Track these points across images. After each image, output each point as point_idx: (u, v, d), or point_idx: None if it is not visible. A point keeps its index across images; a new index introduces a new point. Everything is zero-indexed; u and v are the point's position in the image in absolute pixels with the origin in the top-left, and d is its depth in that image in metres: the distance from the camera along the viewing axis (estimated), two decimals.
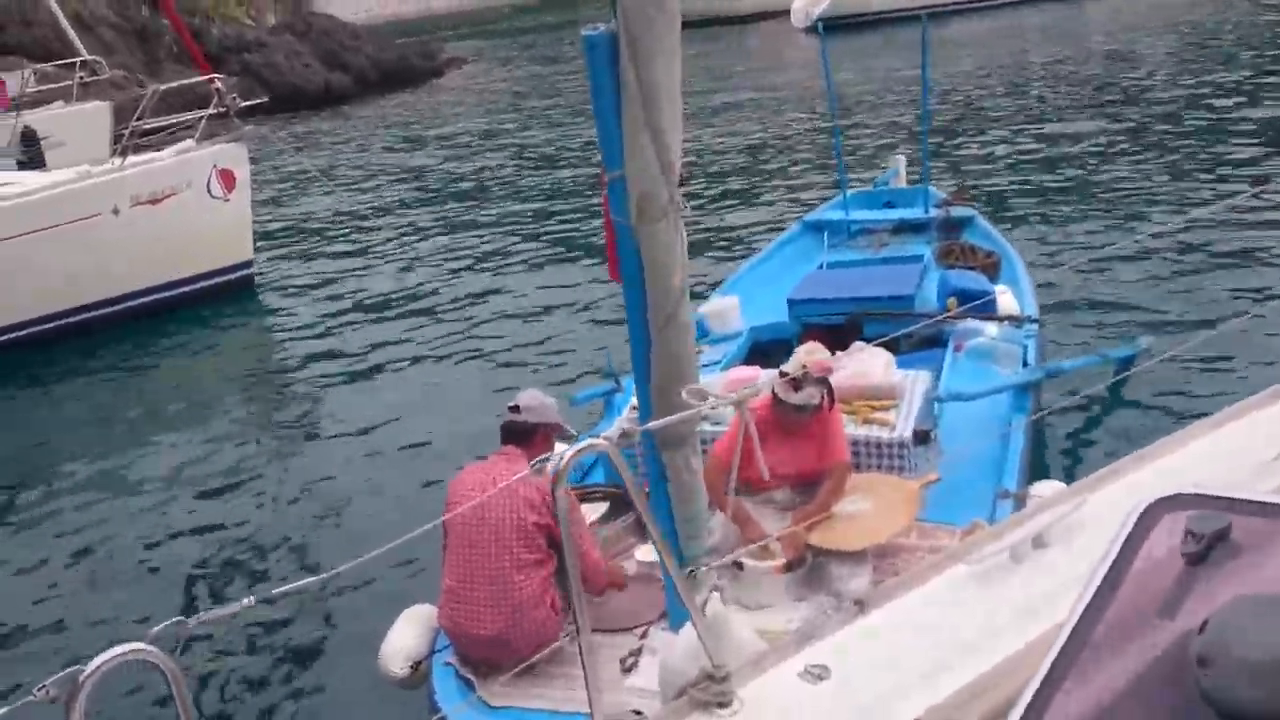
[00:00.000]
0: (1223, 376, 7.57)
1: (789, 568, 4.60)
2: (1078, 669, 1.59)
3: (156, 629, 1.91)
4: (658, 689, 3.79)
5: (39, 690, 1.80)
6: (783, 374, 4.89)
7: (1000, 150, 16.50)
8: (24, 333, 12.21)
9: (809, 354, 5.33)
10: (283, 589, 2.09)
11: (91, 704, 1.83)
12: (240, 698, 5.69)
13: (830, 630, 2.55)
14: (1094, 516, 2.74)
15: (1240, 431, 3.06)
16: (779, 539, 4.63)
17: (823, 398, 4.81)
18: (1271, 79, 18.98)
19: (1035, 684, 1.64)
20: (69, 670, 1.82)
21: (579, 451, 2.27)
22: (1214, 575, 1.62)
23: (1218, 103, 17.63)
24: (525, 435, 4.59)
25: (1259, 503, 1.74)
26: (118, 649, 1.85)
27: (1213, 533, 1.65)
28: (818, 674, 2.42)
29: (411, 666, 4.53)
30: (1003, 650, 2.33)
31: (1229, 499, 1.74)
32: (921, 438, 5.38)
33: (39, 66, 20.90)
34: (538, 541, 4.36)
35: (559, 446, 6.10)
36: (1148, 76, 21.22)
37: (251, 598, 1.99)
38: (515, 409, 4.60)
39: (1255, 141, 14.77)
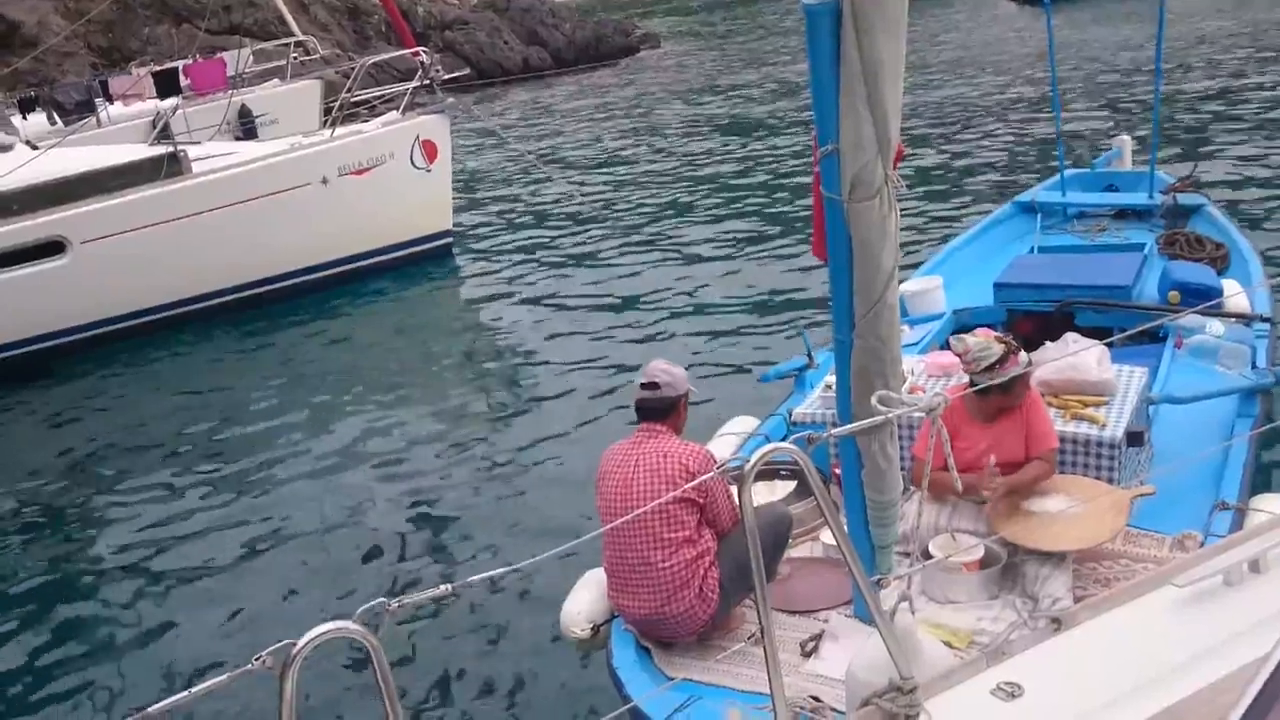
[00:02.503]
0: None
1: (982, 565, 4.47)
2: None
3: (362, 609, 2.00)
4: (837, 676, 3.77)
5: (256, 660, 1.91)
6: (990, 366, 4.62)
7: (1237, 133, 15.34)
8: (236, 296, 13.03)
9: (985, 332, 5.05)
10: (479, 577, 2.14)
11: (301, 676, 1.94)
12: (426, 667, 5.86)
13: (1025, 647, 2.46)
14: None
15: None
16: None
17: (1007, 348, 4.59)
18: None
19: (1241, 709, 1.53)
20: (283, 644, 1.92)
21: (765, 456, 2.24)
22: None
23: None
24: (666, 410, 4.51)
25: None
26: (328, 626, 1.95)
27: None
28: (1010, 691, 2.33)
29: (592, 629, 4.58)
30: (1207, 678, 2.21)
31: None
32: (1135, 439, 5.07)
33: (258, 47, 22.12)
34: (682, 519, 4.28)
35: (735, 423, 6.13)
36: None
37: (450, 585, 2.06)
38: (652, 386, 4.50)
39: None
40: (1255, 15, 26.39)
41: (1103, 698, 2.25)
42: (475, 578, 2.14)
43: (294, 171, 13.03)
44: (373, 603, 2.01)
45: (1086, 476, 4.92)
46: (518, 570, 2.25)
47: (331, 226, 13.30)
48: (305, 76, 20.43)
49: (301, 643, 1.92)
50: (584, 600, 4.67)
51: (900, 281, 7.60)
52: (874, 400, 2.51)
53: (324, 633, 1.94)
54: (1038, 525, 4.51)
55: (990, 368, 4.57)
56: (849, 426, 2.92)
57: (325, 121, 15.60)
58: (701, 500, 4.33)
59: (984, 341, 4.67)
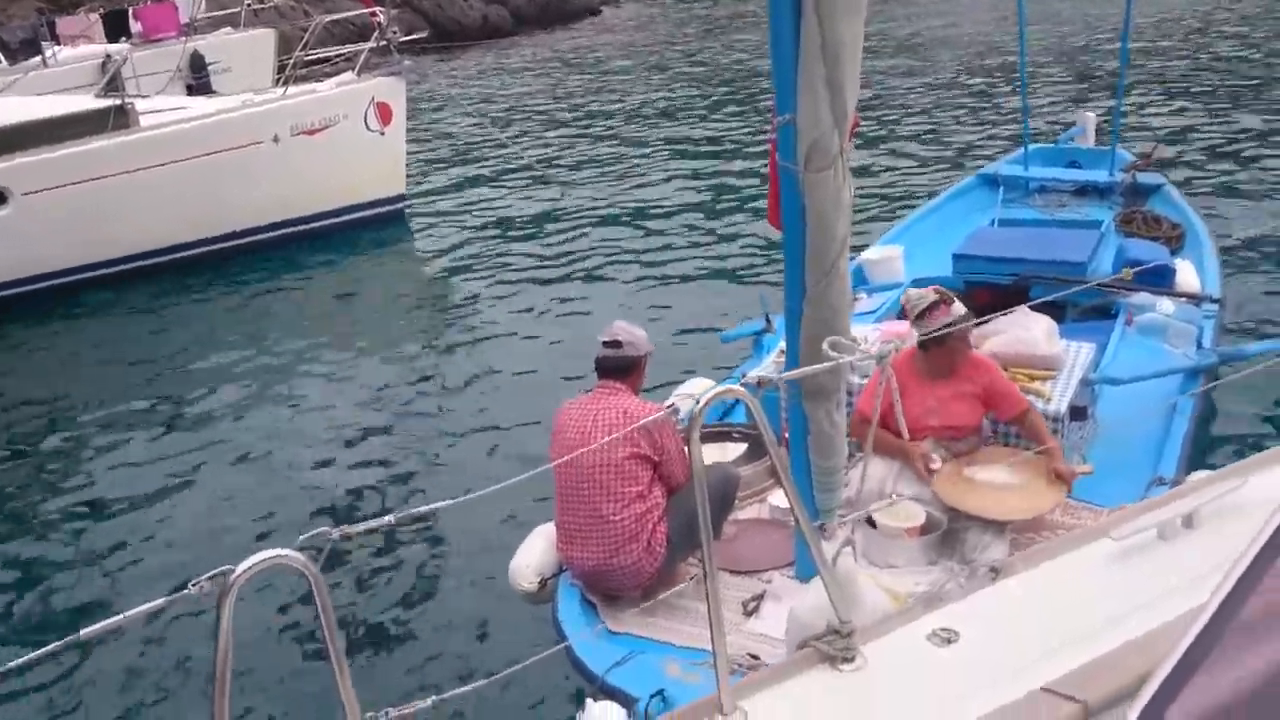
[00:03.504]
0: None
1: (923, 531, 4.53)
2: (1217, 653, 1.51)
3: (303, 537, 1.98)
4: (778, 635, 3.81)
5: (194, 585, 1.89)
6: (921, 312, 4.77)
7: (1200, 114, 15.58)
8: (183, 254, 12.78)
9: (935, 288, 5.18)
10: (420, 509, 2.13)
11: (239, 603, 1.92)
12: (373, 606, 5.92)
13: (963, 595, 2.50)
14: (1251, 500, 2.61)
15: None
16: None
17: (940, 297, 4.70)
18: None
19: (1170, 665, 1.56)
20: (221, 569, 1.90)
21: (714, 397, 2.25)
22: None
23: None
24: (627, 369, 4.57)
25: None
26: (268, 553, 1.93)
27: None
28: (946, 637, 2.37)
29: (540, 582, 4.62)
30: (1140, 629, 2.26)
31: None
32: (1078, 414, 5.17)
33: None
34: (636, 474, 4.34)
35: (692, 385, 6.17)
36: None
37: (393, 516, 2.05)
38: (615, 344, 4.56)
39: None
40: None
41: (1035, 644, 2.30)
42: (419, 509, 2.13)
43: (245, 129, 12.81)
44: (314, 531, 1.99)
45: (1030, 448, 5.00)
46: (460, 504, 2.24)
47: (282, 186, 13.09)
48: (259, 25, 20.11)
49: (240, 569, 1.90)
50: (533, 553, 4.70)
51: (861, 250, 7.72)
52: (825, 345, 2.53)
53: (263, 560, 1.92)
54: (980, 493, 4.58)
55: (921, 315, 4.68)
56: (799, 370, 2.94)
57: (278, 78, 15.34)
58: (656, 458, 4.38)
59: (921, 292, 4.79)
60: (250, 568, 1.91)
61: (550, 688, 4.81)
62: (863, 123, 16.43)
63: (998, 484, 4.61)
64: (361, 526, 2.01)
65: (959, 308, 4.73)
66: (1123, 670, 2.10)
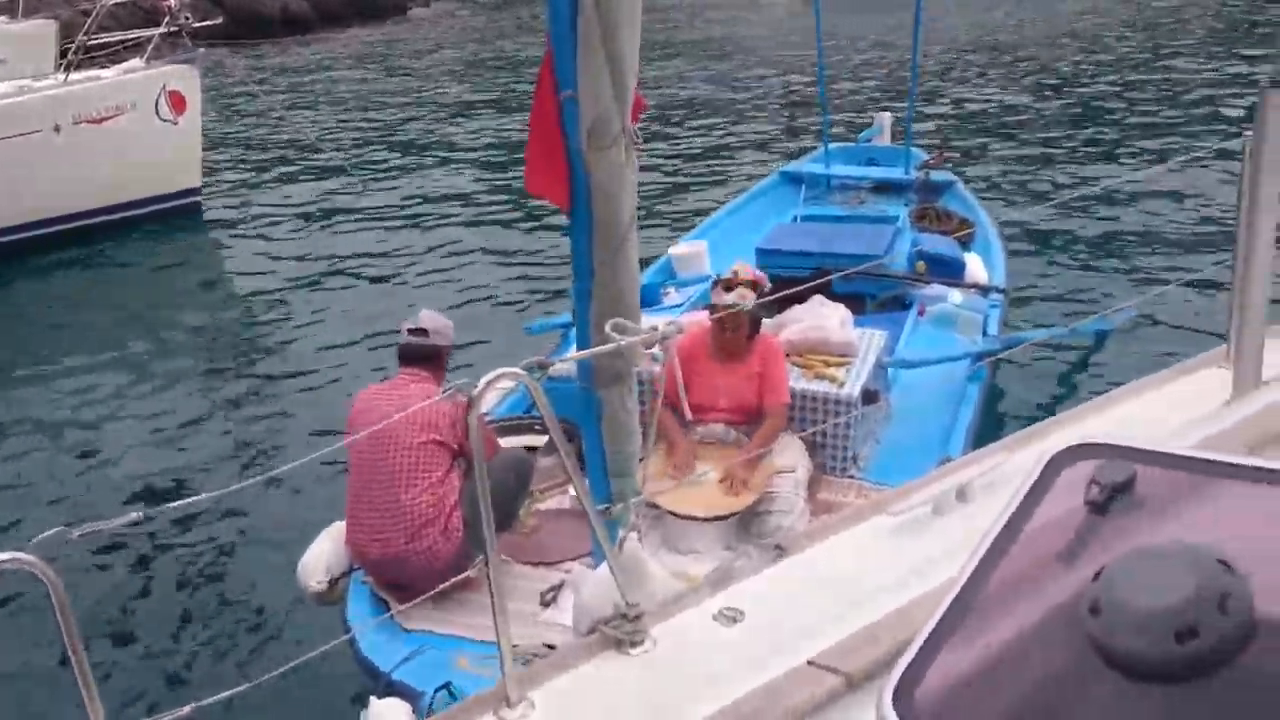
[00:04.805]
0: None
1: (719, 519, 4.60)
2: (974, 613, 1.55)
3: (39, 537, 1.82)
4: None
5: None
6: (716, 280, 5.03)
7: (989, 115, 16.48)
8: None
9: (742, 264, 5.34)
10: (173, 504, 2.00)
11: None
12: (136, 614, 5.58)
13: (748, 574, 2.53)
14: (1018, 472, 2.72)
15: (1170, 394, 3.07)
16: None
17: (756, 298, 4.89)
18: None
19: (930, 627, 1.60)
20: None
21: (496, 378, 2.21)
22: (1116, 525, 1.58)
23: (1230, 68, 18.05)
24: (431, 357, 4.58)
25: (1165, 454, 1.70)
26: None
27: (1117, 482, 1.62)
28: (732, 616, 2.39)
29: (329, 581, 4.46)
30: (905, 600, 2.34)
31: (1136, 449, 1.70)
32: (870, 398, 5.37)
33: None
34: (434, 460, 4.32)
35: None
36: (1159, 42, 21.67)
37: (141, 512, 1.91)
38: (421, 332, 4.57)
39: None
40: (1023, 13, 28.45)
41: (813, 620, 2.34)
42: (173, 504, 1.99)
43: (20, 116, 11.95)
44: (51, 531, 1.83)
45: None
46: (227, 495, 2.12)
47: (65, 179, 12.26)
48: (40, 15, 18.85)
49: None
50: (323, 551, 4.55)
51: (668, 244, 7.82)
52: (608, 327, 2.50)
53: None
54: (681, 491, 4.66)
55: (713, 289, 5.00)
56: (585, 352, 2.91)
57: (60, 65, 14.42)
58: (456, 445, 4.36)
59: (743, 293, 4.98)
60: None
61: (340, 696, 4.63)
62: (658, 115, 16.76)
63: (697, 482, 4.69)
64: (105, 524, 1.86)
65: (735, 295, 4.94)
66: (883, 642, 2.17)
